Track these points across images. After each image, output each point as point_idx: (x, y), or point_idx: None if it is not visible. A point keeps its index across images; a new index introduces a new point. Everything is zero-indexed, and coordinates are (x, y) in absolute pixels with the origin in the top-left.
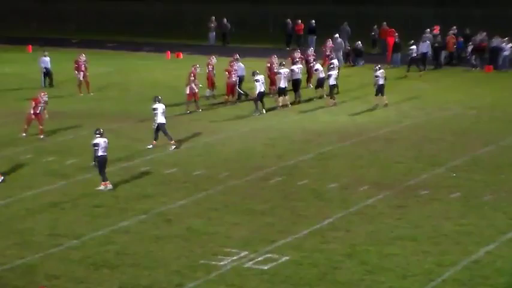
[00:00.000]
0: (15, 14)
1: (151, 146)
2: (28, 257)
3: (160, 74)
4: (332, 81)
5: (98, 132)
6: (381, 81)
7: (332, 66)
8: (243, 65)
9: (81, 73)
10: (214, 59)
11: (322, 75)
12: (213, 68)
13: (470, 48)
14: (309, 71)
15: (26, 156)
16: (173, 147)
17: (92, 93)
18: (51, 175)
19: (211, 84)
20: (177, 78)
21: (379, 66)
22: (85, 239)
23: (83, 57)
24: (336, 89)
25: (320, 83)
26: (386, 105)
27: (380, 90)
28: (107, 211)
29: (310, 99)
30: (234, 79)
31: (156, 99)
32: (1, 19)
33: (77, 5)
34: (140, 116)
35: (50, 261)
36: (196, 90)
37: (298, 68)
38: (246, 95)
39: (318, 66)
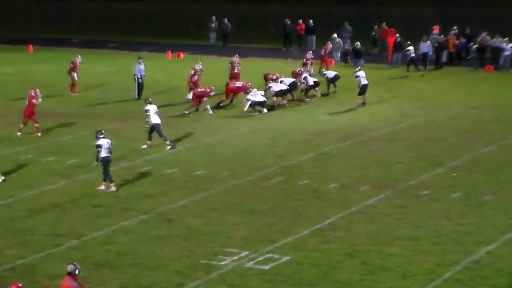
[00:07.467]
0: (15, 14)
1: (145, 146)
2: (28, 257)
3: (161, 74)
4: (364, 81)
5: (100, 133)
6: (363, 82)
7: (359, 67)
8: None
9: (75, 74)
10: (200, 65)
11: (311, 82)
12: (194, 73)
13: None
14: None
15: (27, 156)
16: (168, 147)
17: (77, 94)
18: (51, 175)
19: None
20: (178, 78)
21: (359, 68)
22: (86, 238)
23: (79, 59)
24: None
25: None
26: (364, 104)
27: (363, 90)
28: (107, 211)
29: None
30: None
31: (147, 101)
32: (1, 19)
33: (77, 5)
34: (140, 116)
35: (50, 261)
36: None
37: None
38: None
39: (305, 74)
